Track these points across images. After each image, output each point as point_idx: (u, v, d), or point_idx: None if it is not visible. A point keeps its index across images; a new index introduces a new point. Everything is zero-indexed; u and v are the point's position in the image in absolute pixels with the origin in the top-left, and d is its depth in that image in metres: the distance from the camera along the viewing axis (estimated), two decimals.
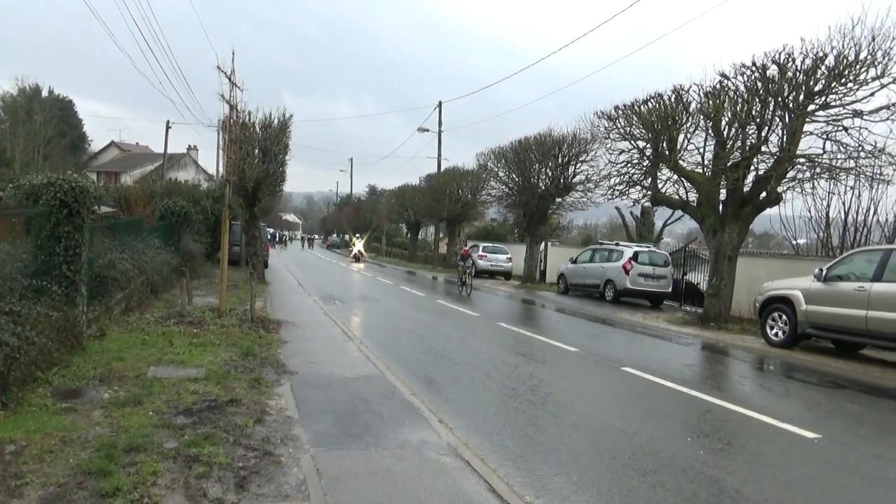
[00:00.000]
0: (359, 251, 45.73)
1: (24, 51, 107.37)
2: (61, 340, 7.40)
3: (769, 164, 14.86)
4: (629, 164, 18.61)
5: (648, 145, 17.77)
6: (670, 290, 20.81)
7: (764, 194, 15.26)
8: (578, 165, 26.23)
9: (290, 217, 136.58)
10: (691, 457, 5.61)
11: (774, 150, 14.74)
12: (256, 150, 19.97)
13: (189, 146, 60.13)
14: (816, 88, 13.74)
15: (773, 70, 14.26)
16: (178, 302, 12.34)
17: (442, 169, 42.00)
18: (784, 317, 12.55)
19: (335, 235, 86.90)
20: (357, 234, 51.33)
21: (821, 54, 13.44)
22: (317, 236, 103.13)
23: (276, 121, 20.34)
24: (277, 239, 71.16)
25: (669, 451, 5.77)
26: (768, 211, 16.44)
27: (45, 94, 49.81)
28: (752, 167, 15.27)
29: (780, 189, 15.17)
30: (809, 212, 17.92)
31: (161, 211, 19.35)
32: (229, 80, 11.30)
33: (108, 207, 16.85)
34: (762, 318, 13.16)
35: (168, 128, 45.10)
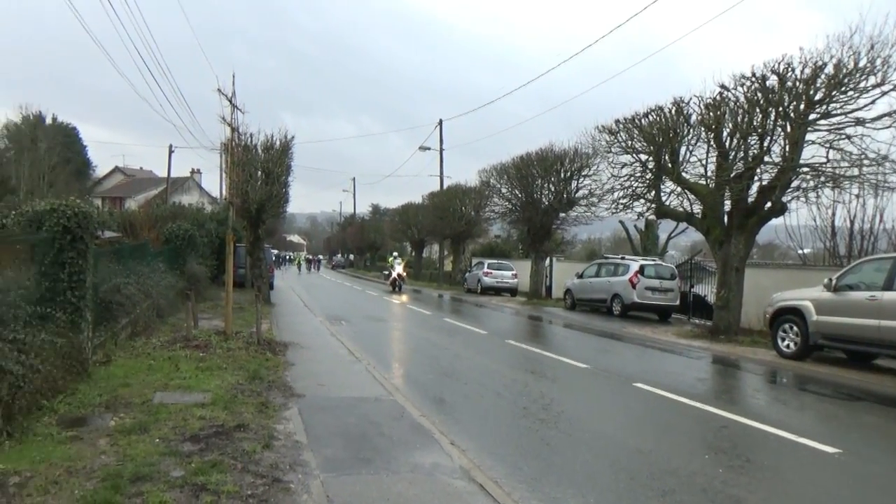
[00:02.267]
0: (398, 275, 32.02)
1: (24, 80, 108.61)
2: (66, 367, 7.32)
3: (772, 174, 14.81)
4: (632, 178, 18.58)
5: (651, 158, 17.75)
6: (678, 303, 20.67)
7: (769, 204, 15.18)
8: (581, 180, 26.26)
9: (295, 238, 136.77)
10: (710, 475, 5.48)
11: (777, 159, 14.69)
12: (259, 172, 19.97)
13: (192, 170, 60.35)
14: (817, 97, 13.72)
15: (772, 80, 14.26)
16: (183, 325, 12.26)
17: (444, 186, 42.09)
18: (795, 328, 12.41)
19: (339, 255, 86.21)
20: (395, 253, 36.62)
21: (820, 63, 13.44)
22: (321, 257, 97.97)
23: (277, 142, 20.35)
24: (282, 260, 70.83)
25: (688, 469, 5.64)
26: (773, 221, 16.37)
27: (48, 121, 50.10)
28: (756, 177, 15.22)
29: (784, 199, 15.10)
30: (814, 221, 17.82)
31: (165, 235, 19.36)
32: (230, 102, 11.32)
33: (113, 232, 16.85)
34: (773, 330, 13.02)
35: (171, 152, 45.35)
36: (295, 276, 49.81)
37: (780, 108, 14.22)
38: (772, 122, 14.57)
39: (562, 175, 26.55)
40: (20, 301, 6.67)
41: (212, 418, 6.47)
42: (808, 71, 13.68)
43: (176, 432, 5.94)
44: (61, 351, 7.04)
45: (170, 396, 7.34)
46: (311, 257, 77.17)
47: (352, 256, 78.58)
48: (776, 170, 14.72)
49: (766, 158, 14.83)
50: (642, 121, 17.75)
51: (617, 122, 18.72)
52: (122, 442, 5.56)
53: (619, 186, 19.34)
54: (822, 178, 14.64)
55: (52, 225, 7.91)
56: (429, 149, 42.88)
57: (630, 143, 18.35)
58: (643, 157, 18.09)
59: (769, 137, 14.70)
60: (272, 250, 45.04)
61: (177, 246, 18.78)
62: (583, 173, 26.02)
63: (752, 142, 15.07)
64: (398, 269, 32.20)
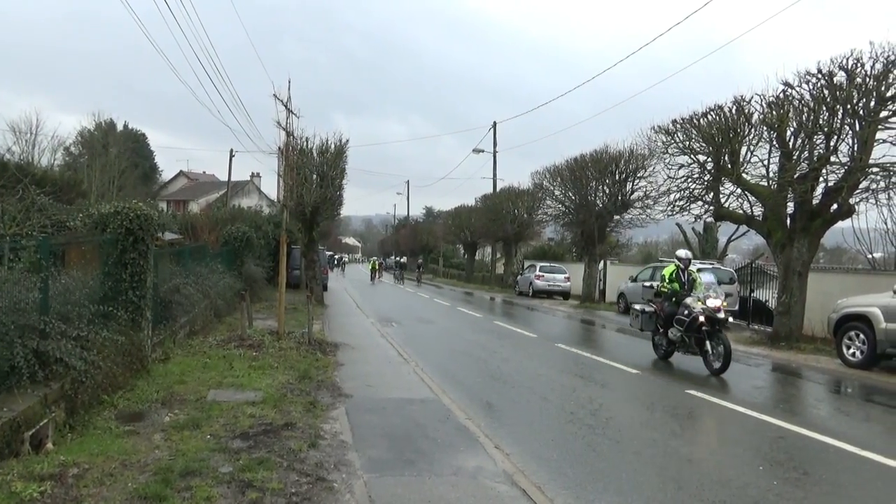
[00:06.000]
0: (713, 314, 10.71)
1: (97, 87, 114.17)
2: (126, 364, 7.63)
3: (840, 175, 14.18)
4: (689, 179, 18.07)
5: (709, 159, 17.24)
6: (737, 308, 19.99)
7: (835, 206, 14.56)
8: (636, 182, 25.77)
9: (350, 240, 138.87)
10: (764, 487, 5.27)
11: (845, 159, 14.06)
12: (314, 176, 20.39)
13: (252, 173, 62.01)
14: (889, 94, 13.09)
15: (840, 76, 13.66)
16: (239, 325, 12.60)
17: (498, 189, 41.96)
18: (861, 336, 11.84)
19: (393, 257, 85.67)
20: (685, 253, 12.27)
21: (892, 58, 12.80)
22: (387, 259, 77.29)
23: (332, 146, 20.75)
24: (336, 262, 71.31)
25: (740, 480, 5.45)
26: (840, 224, 15.68)
27: (119, 127, 52.35)
28: (822, 178, 14.60)
29: (852, 200, 14.45)
30: (885, 224, 16.96)
31: (224, 237, 19.94)
32: (286, 107, 11.58)
33: (174, 234, 17.45)
34: (837, 338, 12.45)
35: (231, 156, 46.63)
36: (366, 286, 39.86)
37: (849, 106, 13.62)
38: (839, 121, 13.97)
39: (617, 177, 26.12)
40: (84, 300, 6.97)
41: (261, 416, 6.63)
42: (878, 66, 13.06)
43: (227, 429, 6.10)
44: (122, 348, 7.34)
45: (223, 394, 7.55)
46: (380, 261, 61.02)
47: (404, 259, 77.44)
48: (843, 170, 14.09)
49: (833, 158, 14.22)
50: (701, 121, 17.25)
51: (674, 122, 18.26)
52: (176, 437, 5.75)
53: (675, 188, 18.84)
54: (894, 179, 13.93)
55: (116, 227, 8.26)
56: (482, 151, 42.76)
57: (688, 143, 17.85)
58: (701, 157, 17.58)
59: (836, 136, 14.09)
60: (327, 252, 45.61)
61: (234, 248, 19.32)
62: (638, 175, 25.54)
63: (818, 141, 14.47)
64: (714, 300, 11.03)
